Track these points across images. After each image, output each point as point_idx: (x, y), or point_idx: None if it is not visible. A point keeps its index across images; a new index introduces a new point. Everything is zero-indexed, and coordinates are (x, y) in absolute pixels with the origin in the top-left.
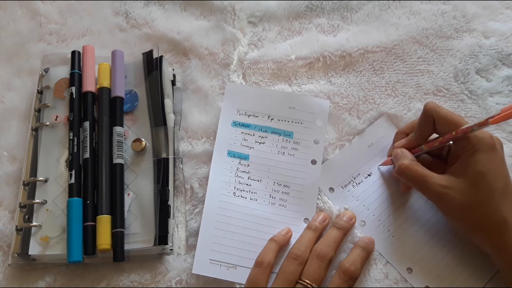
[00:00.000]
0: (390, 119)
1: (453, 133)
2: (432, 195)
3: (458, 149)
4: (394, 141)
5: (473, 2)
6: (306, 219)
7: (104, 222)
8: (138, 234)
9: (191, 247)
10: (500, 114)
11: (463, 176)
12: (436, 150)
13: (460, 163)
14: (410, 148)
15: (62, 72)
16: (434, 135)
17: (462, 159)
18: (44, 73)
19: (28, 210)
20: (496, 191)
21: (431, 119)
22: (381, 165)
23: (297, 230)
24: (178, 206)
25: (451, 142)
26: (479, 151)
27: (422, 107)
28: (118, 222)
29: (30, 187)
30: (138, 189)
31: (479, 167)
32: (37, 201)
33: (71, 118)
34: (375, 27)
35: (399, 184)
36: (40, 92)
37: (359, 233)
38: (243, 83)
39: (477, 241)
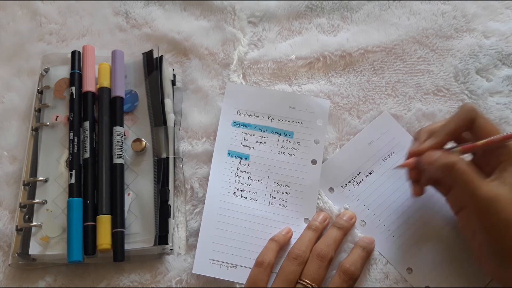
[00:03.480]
0: (391, 115)
1: (487, 140)
2: (480, 203)
3: (492, 155)
4: (418, 139)
5: (473, 2)
6: (306, 219)
7: (104, 222)
8: (138, 234)
9: (191, 247)
10: None
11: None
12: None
13: (501, 171)
14: (437, 150)
15: (62, 72)
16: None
17: (503, 166)
18: (44, 73)
19: (28, 210)
20: None
21: (468, 122)
22: (399, 167)
23: (297, 230)
24: (178, 206)
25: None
26: None
27: (422, 107)
28: (118, 222)
29: (30, 187)
30: (138, 189)
31: None
32: (37, 201)
33: (71, 118)
34: (375, 27)
35: (400, 184)
36: (40, 92)
37: (359, 233)
38: (243, 83)
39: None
